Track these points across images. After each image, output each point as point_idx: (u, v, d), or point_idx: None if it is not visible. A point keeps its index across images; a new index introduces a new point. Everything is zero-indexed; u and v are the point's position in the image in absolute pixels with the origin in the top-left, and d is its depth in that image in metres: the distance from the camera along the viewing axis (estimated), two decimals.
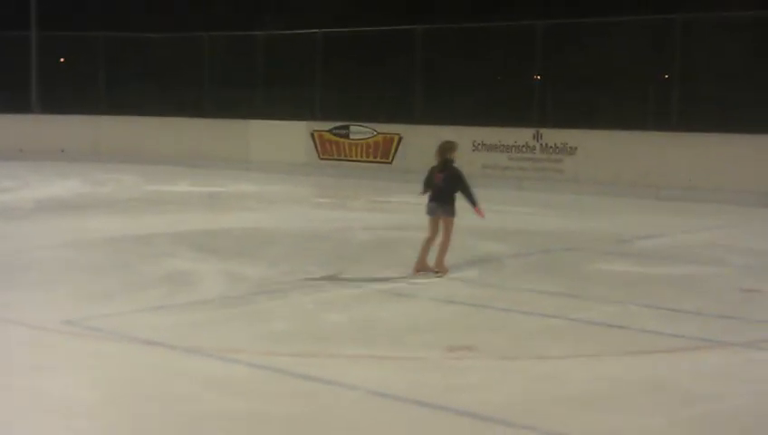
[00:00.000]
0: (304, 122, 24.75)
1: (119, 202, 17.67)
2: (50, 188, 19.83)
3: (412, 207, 17.48)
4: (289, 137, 24.94)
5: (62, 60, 31.34)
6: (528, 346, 8.03)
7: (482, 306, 9.45)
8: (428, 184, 11.16)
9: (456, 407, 6.28)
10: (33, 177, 21.60)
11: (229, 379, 6.94)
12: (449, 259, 11.05)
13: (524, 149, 21.18)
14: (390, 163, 23.08)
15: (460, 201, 10.98)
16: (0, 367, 7.23)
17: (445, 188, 10.97)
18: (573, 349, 7.96)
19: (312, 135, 24.41)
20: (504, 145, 21.50)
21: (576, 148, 20.62)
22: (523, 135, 21.26)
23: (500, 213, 16.80)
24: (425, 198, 11.20)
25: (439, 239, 10.97)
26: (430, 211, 11.10)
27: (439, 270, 10.83)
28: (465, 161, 21.57)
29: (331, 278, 10.64)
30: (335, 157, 24.02)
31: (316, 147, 24.35)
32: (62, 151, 26.31)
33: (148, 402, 6.42)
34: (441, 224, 10.95)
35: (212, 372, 7.07)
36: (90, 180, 21.12)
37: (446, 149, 11.28)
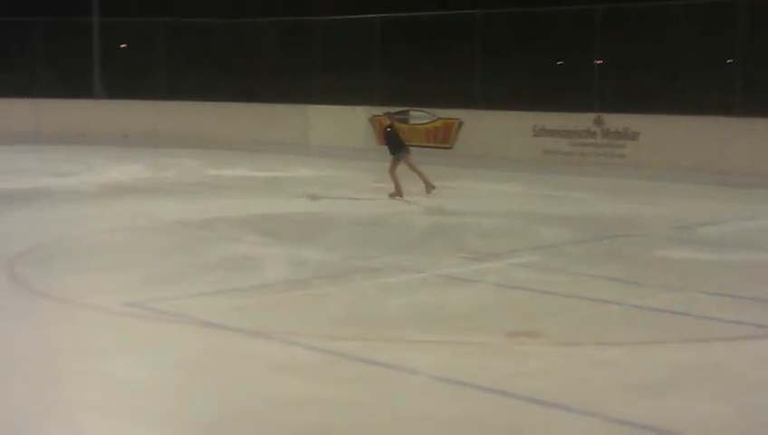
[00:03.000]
0: (363, 108, 24.76)
1: (180, 186, 17.82)
2: (112, 172, 20.05)
3: (472, 192, 17.49)
4: (348, 122, 24.98)
5: (123, 46, 31.66)
6: (589, 332, 8.00)
7: (543, 292, 9.42)
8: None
9: (518, 392, 6.29)
10: (96, 161, 21.85)
11: (292, 362, 7.00)
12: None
13: (585, 135, 21.02)
14: (450, 148, 23.03)
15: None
16: (65, 349, 7.35)
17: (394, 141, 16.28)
18: (635, 335, 7.92)
19: (372, 120, 24.42)
20: (564, 130, 21.35)
21: (638, 133, 20.42)
22: (584, 120, 21.09)
23: (561, 199, 16.74)
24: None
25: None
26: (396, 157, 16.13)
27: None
28: (525, 146, 21.67)
29: (392, 263, 10.67)
30: None
31: (375, 132, 24.36)
32: (125, 136, 26.57)
33: (213, 384, 6.50)
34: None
35: (275, 356, 7.14)
36: (151, 165, 21.32)
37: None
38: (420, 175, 16.23)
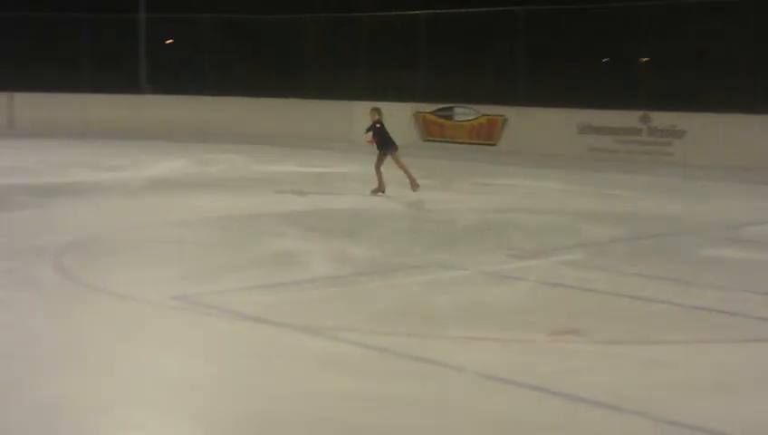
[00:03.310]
0: (407, 104, 24.76)
1: (226, 181, 17.92)
2: (158, 167, 20.20)
3: (516, 189, 17.44)
4: (392, 118, 24.96)
5: (169, 41, 31.88)
6: (635, 331, 7.95)
7: (588, 290, 9.38)
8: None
9: (564, 391, 6.27)
10: (143, 156, 22.03)
11: (337, 357, 7.03)
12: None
13: (631, 132, 20.90)
14: (495, 145, 22.98)
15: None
16: (112, 341, 7.42)
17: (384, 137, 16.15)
18: (681, 335, 7.86)
19: (416, 116, 24.43)
20: (610, 127, 21.25)
21: (684, 131, 20.29)
22: (629, 118, 20.98)
23: (607, 197, 16.66)
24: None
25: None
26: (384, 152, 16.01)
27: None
28: (570, 144, 21.58)
29: (436, 260, 10.67)
30: (438, 138, 24.00)
31: (419, 128, 24.37)
32: (170, 131, 26.77)
33: (258, 379, 6.54)
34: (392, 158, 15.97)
35: (321, 351, 7.17)
36: (197, 160, 21.45)
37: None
38: (406, 172, 16.06)
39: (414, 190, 15.90)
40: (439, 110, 24.07)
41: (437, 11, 25.84)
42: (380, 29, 27.83)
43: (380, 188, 15.92)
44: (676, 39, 23.22)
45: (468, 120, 23.51)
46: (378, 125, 16.21)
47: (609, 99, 21.86)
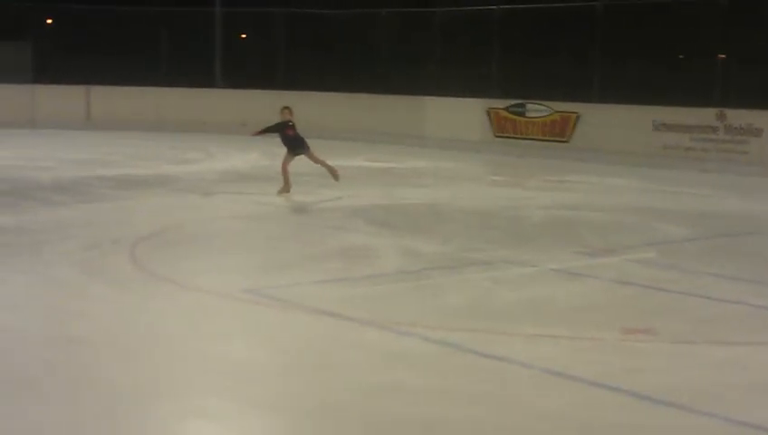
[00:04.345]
0: (480, 99, 24.68)
1: (296, 176, 17.99)
2: (231, 160, 20.40)
3: (587, 186, 17.30)
4: (464, 114, 24.94)
5: (243, 36, 32.13)
6: (707, 331, 7.85)
7: (659, 289, 9.27)
8: (271, 130, 15.38)
9: (635, 390, 6.20)
10: (216, 149, 22.25)
11: (404, 352, 7.03)
12: None
13: (707, 130, 20.60)
14: (567, 142, 22.80)
15: None
16: (182, 331, 7.51)
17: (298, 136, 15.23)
18: (755, 335, 7.75)
19: (488, 112, 24.33)
20: (685, 125, 20.96)
21: (762, 129, 19.93)
22: (705, 115, 20.67)
23: (680, 195, 16.46)
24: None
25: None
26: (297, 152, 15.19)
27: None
28: (644, 141, 21.33)
29: (506, 256, 10.63)
30: (510, 134, 23.89)
31: (492, 124, 24.27)
32: (243, 125, 26.96)
33: (324, 371, 6.56)
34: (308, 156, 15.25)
35: (388, 345, 7.18)
36: (269, 153, 21.53)
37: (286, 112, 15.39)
38: (324, 165, 15.41)
39: (335, 180, 15.34)
40: (512, 106, 23.95)
41: (512, 5, 25.69)
42: (454, 24, 27.74)
43: (285, 189, 15.00)
44: (754, 35, 22.81)
45: (541, 117, 23.35)
46: (291, 123, 15.28)
47: (685, 96, 21.55)
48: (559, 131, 22.96)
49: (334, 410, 5.84)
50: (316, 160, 15.41)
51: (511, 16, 25.72)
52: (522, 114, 23.61)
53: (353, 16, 29.12)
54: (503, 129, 24.03)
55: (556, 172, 19.41)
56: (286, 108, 15.45)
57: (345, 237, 11.59)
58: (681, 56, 25.28)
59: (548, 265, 10.17)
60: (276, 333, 7.53)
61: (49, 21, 30.18)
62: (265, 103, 27.50)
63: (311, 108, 27.28)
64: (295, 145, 15.15)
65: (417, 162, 20.96)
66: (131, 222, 12.32)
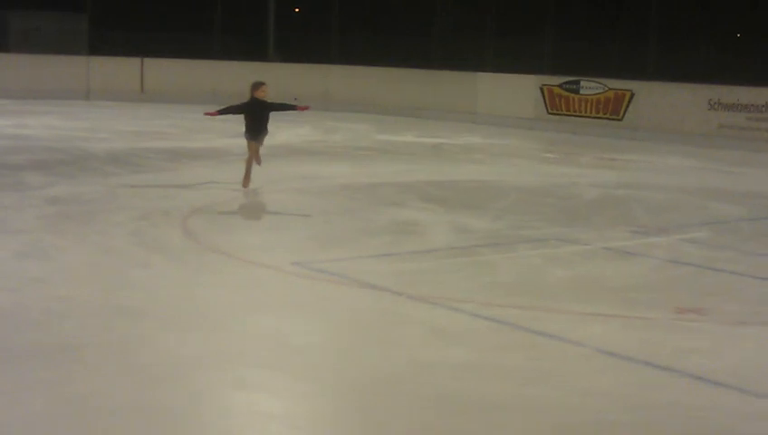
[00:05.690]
0: (534, 76, 24.52)
1: (348, 150, 18.04)
2: (283, 134, 20.40)
3: (641, 164, 17.14)
4: (518, 90, 24.79)
5: (297, 9, 32.14)
6: (761, 312, 7.77)
7: (712, 269, 9.18)
8: (234, 111, 13.03)
9: (686, 370, 6.15)
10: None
11: (455, 328, 7.02)
12: None
13: (764, 109, 20.31)
14: (620, 120, 22.60)
15: None
16: (233, 303, 7.55)
17: (264, 117, 12.83)
18: None
19: (542, 89, 24.16)
20: (742, 104, 20.68)
21: None
22: (762, 94, 20.38)
23: (735, 175, 16.27)
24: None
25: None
26: (254, 137, 12.80)
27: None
28: (700, 120, 21.10)
29: (558, 234, 10.57)
30: (564, 112, 23.71)
31: (545, 101, 24.10)
32: (295, 99, 26.99)
33: (374, 346, 6.57)
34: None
35: (438, 321, 7.17)
36: (320, 128, 21.64)
37: (254, 87, 13.03)
38: (249, 166, 12.80)
39: (244, 187, 12.68)
40: (566, 83, 23.75)
41: None
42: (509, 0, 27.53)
43: (245, 183, 12.75)
44: None
45: (595, 94, 23.15)
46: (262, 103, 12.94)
47: (741, 75, 21.25)
48: (612, 109, 22.76)
49: (384, 384, 5.85)
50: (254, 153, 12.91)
51: None
52: (576, 91, 23.42)
53: None
54: (556, 106, 23.86)
55: (609, 150, 19.27)
56: (263, 83, 13.17)
57: (396, 213, 11.58)
58: (738, 35, 24.91)
59: (600, 243, 10.11)
60: (327, 306, 7.55)
61: None
62: (317, 77, 27.67)
63: (363, 82, 27.36)
64: (261, 130, 12.93)
65: (470, 138, 20.88)
66: (184, 194, 12.40)
